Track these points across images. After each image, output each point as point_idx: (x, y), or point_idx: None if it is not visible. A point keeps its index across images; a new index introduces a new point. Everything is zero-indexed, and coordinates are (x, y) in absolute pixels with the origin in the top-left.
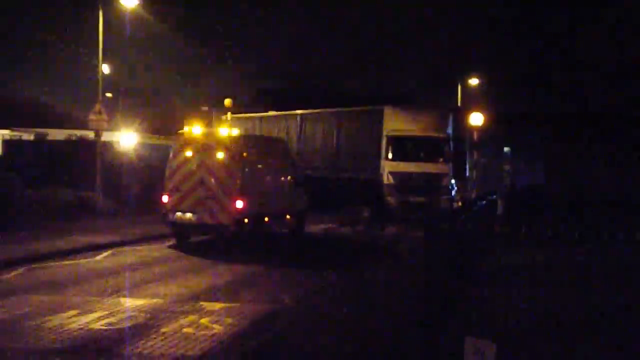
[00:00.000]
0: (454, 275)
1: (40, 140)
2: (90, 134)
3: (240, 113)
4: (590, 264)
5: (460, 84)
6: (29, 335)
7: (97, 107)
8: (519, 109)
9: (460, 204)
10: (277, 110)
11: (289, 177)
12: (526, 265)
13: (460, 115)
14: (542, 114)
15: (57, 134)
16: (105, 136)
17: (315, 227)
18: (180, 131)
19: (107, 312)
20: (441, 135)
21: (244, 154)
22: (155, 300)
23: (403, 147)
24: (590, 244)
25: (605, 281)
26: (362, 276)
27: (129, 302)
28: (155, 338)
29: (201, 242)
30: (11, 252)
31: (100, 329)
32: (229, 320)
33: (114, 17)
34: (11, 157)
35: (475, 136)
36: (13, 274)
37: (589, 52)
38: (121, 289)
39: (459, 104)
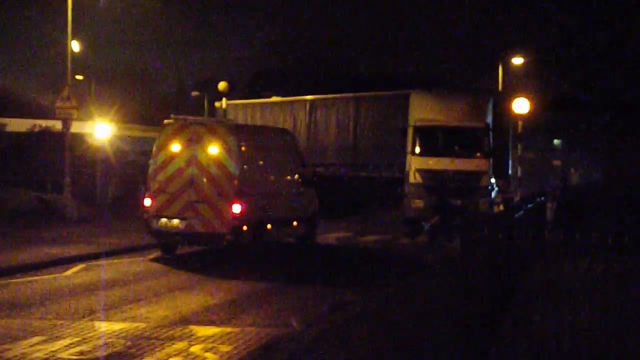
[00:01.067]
0: (496, 292)
1: None
2: (58, 125)
3: (238, 99)
4: None
5: (502, 64)
6: None
7: (66, 92)
8: (573, 94)
9: (502, 207)
10: (282, 96)
11: (296, 176)
12: (581, 279)
13: (501, 102)
14: (603, 100)
15: (18, 125)
16: (75, 127)
17: (328, 236)
18: (166, 121)
19: (78, 339)
20: (479, 125)
21: (243, 148)
22: (136, 325)
23: (433, 140)
24: None
25: None
26: (384, 294)
27: (105, 327)
28: None
29: (191, 254)
30: None
31: (71, 359)
32: (225, 349)
33: None
34: None
35: (519, 126)
36: None
37: None
38: (95, 310)
39: (500, 88)
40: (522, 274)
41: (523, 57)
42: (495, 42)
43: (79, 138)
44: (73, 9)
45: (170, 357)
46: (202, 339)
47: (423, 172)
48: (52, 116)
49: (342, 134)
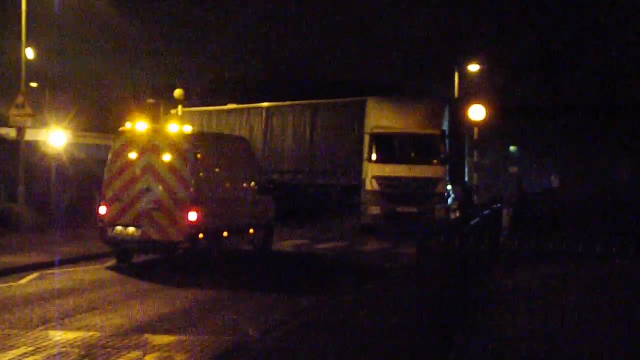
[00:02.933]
0: (453, 299)
1: None
2: (12, 132)
3: (194, 106)
4: (616, 284)
5: (458, 71)
6: None
7: (20, 99)
8: (530, 100)
9: (458, 214)
10: (237, 103)
11: (252, 184)
12: (537, 287)
13: (457, 108)
14: (558, 106)
15: None
16: (30, 135)
17: (284, 243)
18: (122, 128)
19: (32, 348)
20: (435, 131)
21: (198, 156)
22: (90, 334)
23: (389, 147)
24: (616, 260)
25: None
26: (341, 302)
27: (59, 336)
28: None
29: (147, 263)
30: None
31: None
32: (181, 357)
33: None
34: None
35: (475, 133)
36: None
37: (622, 27)
38: (50, 319)
39: (456, 95)
40: (478, 281)
41: (479, 64)
42: (451, 48)
43: (34, 146)
44: (27, 16)
45: None
46: (158, 347)
47: (379, 179)
48: (5, 124)
49: (299, 141)
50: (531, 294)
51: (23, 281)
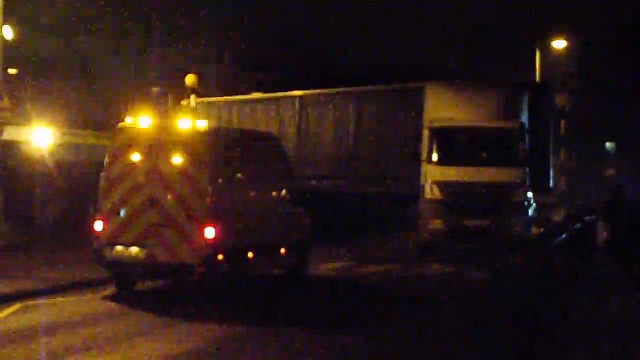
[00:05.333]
0: (530, 335)
1: None
2: None
3: (210, 96)
4: None
5: (540, 49)
6: None
7: None
8: (631, 85)
9: (541, 228)
10: (264, 92)
11: (283, 192)
12: (637, 320)
13: (539, 96)
14: None
15: None
16: (9, 133)
17: (323, 266)
18: (121, 124)
19: None
20: (511, 125)
21: (217, 158)
22: None
23: (454, 144)
24: None
25: None
26: (392, 340)
27: None
28: None
29: (153, 291)
30: None
31: None
32: None
33: None
34: None
35: (562, 127)
36: None
37: None
38: None
39: (537, 79)
40: (564, 313)
41: (566, 40)
42: (531, 21)
43: (13, 147)
44: None
45: None
46: None
47: (442, 185)
48: None
49: (340, 139)
50: (630, 329)
51: (3, 314)
